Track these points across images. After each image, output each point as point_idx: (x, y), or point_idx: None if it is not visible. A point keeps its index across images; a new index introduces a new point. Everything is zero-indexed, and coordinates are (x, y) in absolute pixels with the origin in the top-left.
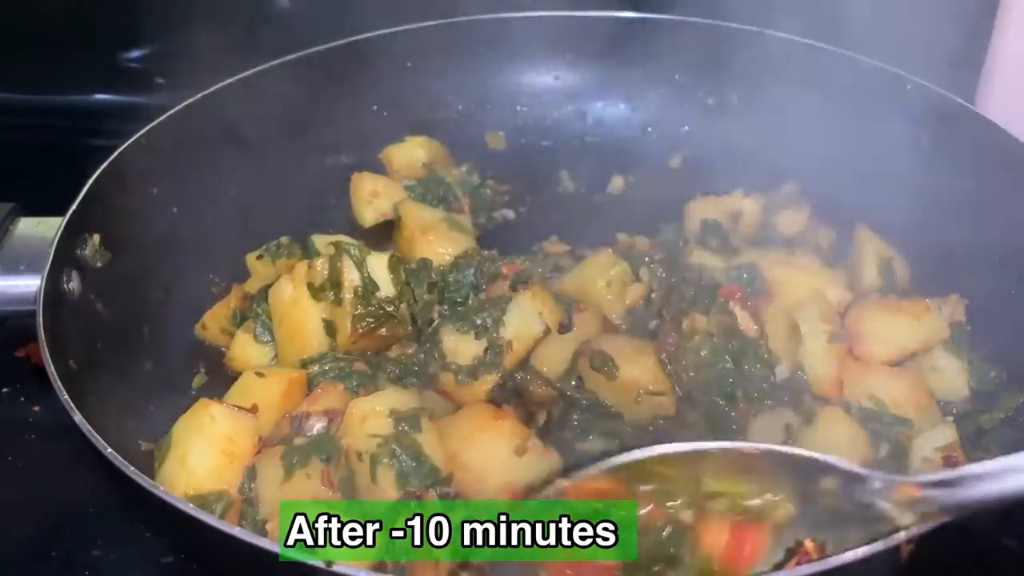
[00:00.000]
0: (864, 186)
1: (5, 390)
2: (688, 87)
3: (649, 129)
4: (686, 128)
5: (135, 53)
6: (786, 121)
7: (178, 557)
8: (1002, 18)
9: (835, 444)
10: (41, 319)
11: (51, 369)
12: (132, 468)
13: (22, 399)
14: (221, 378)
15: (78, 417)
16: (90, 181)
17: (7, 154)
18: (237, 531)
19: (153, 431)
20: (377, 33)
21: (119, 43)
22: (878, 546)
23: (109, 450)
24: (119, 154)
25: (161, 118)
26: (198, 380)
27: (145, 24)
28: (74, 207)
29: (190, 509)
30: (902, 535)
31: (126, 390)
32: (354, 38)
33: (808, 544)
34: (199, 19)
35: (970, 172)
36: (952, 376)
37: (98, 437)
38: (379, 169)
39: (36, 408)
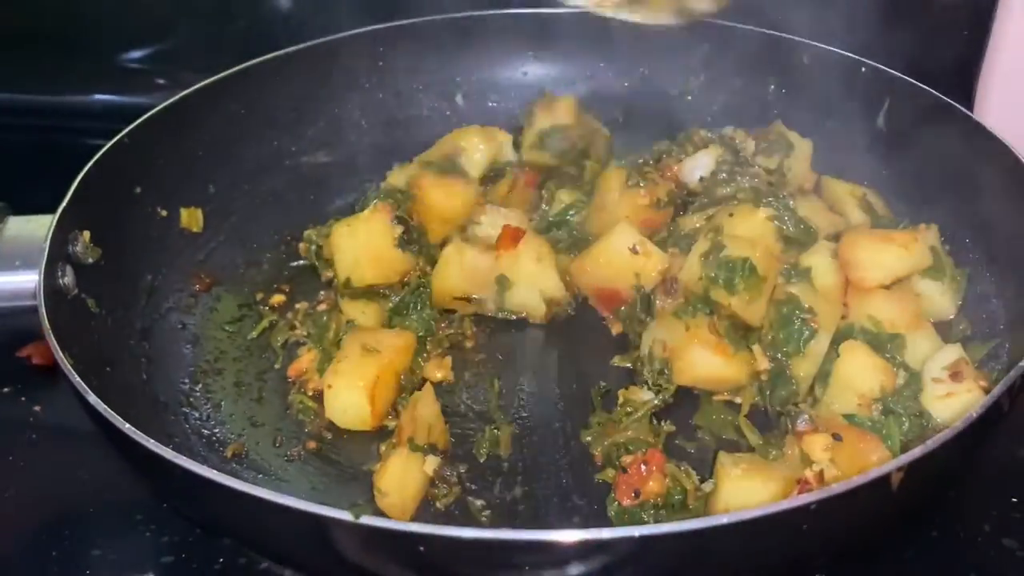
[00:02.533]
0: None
1: (5, 390)
2: (652, 79)
3: (619, 119)
4: (651, 120)
5: (135, 53)
6: (747, 108)
7: (178, 557)
8: (1001, 18)
9: (859, 374)
10: (44, 311)
11: (60, 356)
12: (152, 441)
13: (22, 399)
14: (211, 374)
15: (92, 398)
16: (77, 179)
17: (5, 155)
18: (263, 492)
19: (147, 421)
20: (350, 33)
21: (119, 43)
22: (871, 474)
23: (127, 426)
24: (104, 152)
25: (143, 117)
26: (191, 373)
27: (145, 24)
28: (64, 204)
29: (215, 475)
30: (892, 464)
31: (121, 382)
32: (326, 38)
33: (807, 473)
34: (198, 19)
35: (928, 149)
36: (937, 297)
37: (115, 415)
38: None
39: (36, 408)
